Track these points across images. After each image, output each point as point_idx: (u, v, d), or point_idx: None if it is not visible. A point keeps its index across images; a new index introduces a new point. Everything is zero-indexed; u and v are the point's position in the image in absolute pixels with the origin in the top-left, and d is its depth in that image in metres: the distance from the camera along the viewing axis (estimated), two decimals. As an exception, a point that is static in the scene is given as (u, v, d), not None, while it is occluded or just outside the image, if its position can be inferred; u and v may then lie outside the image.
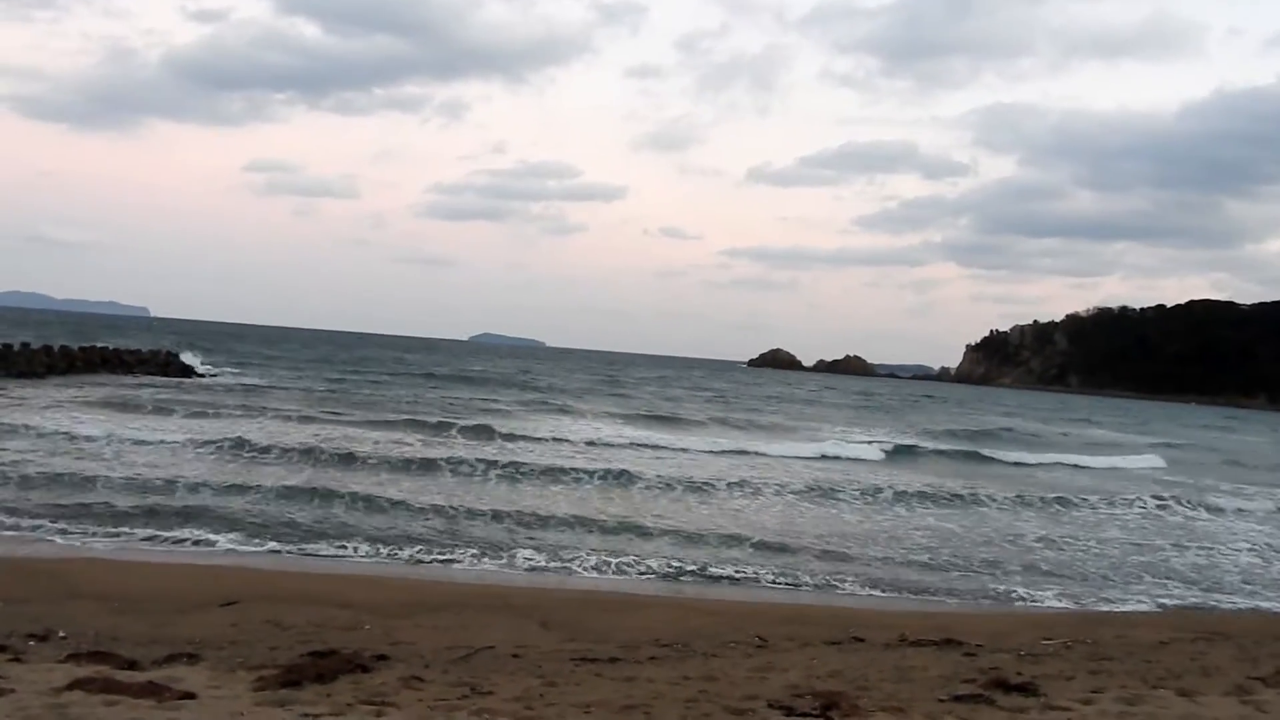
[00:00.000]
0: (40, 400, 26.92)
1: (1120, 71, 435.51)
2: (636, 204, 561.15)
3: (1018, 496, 21.80)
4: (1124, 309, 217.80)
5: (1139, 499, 22.77)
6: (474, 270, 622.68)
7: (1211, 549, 17.41)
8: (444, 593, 10.78)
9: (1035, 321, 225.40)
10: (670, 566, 13.11)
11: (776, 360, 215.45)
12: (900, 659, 8.27)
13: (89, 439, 20.26)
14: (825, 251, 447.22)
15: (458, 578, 11.95)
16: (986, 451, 33.56)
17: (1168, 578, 14.71)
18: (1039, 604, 12.65)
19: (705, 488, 20.16)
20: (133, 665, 6.80)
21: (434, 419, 29.78)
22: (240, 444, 20.82)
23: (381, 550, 12.99)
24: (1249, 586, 14.57)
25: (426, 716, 5.74)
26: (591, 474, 20.54)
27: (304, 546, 12.96)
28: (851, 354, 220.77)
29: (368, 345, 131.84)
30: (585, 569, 12.81)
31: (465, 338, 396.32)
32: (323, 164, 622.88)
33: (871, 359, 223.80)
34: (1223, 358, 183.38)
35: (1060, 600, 12.88)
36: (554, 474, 20.43)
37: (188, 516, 13.99)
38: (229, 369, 50.54)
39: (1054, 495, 22.44)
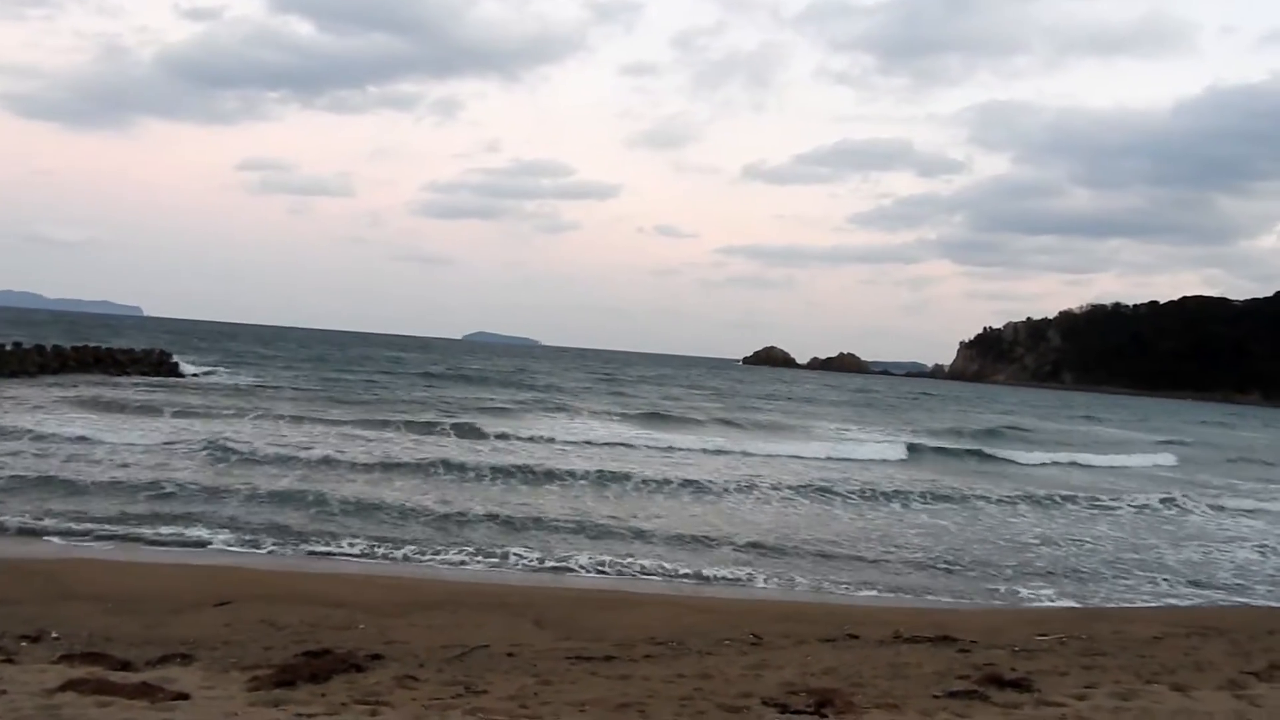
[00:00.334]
0: (33, 399, 26.83)
1: (1115, 69, 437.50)
2: (631, 202, 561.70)
3: (1046, 498, 21.63)
4: (1118, 305, 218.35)
5: (1164, 498, 22.71)
6: (469, 269, 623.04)
7: (1239, 546, 17.41)
8: (438, 592, 10.76)
9: (1029, 318, 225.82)
10: (698, 572, 12.86)
11: (771, 358, 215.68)
12: (895, 656, 8.27)
13: (81, 439, 20.19)
14: (820, 249, 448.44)
15: (452, 576, 11.93)
16: (1002, 453, 33.01)
17: (1197, 582, 14.54)
18: (1035, 600, 12.69)
19: (709, 490, 19.91)
20: (126, 666, 6.78)
21: (429, 418, 29.78)
22: (233, 444, 20.76)
23: (376, 550, 12.96)
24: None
25: (421, 716, 5.73)
26: (591, 474, 20.44)
27: (298, 546, 12.93)
28: (846, 351, 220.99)
29: (363, 344, 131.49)
30: (580, 567, 12.79)
31: (460, 336, 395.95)
32: (317, 162, 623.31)
33: (866, 356, 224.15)
34: (1216, 354, 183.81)
35: (1068, 599, 12.83)
36: (552, 474, 20.32)
37: (180, 517, 13.95)
38: (223, 369, 50.36)
39: (1084, 496, 22.24)
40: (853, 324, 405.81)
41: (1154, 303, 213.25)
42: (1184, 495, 23.45)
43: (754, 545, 14.75)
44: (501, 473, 19.88)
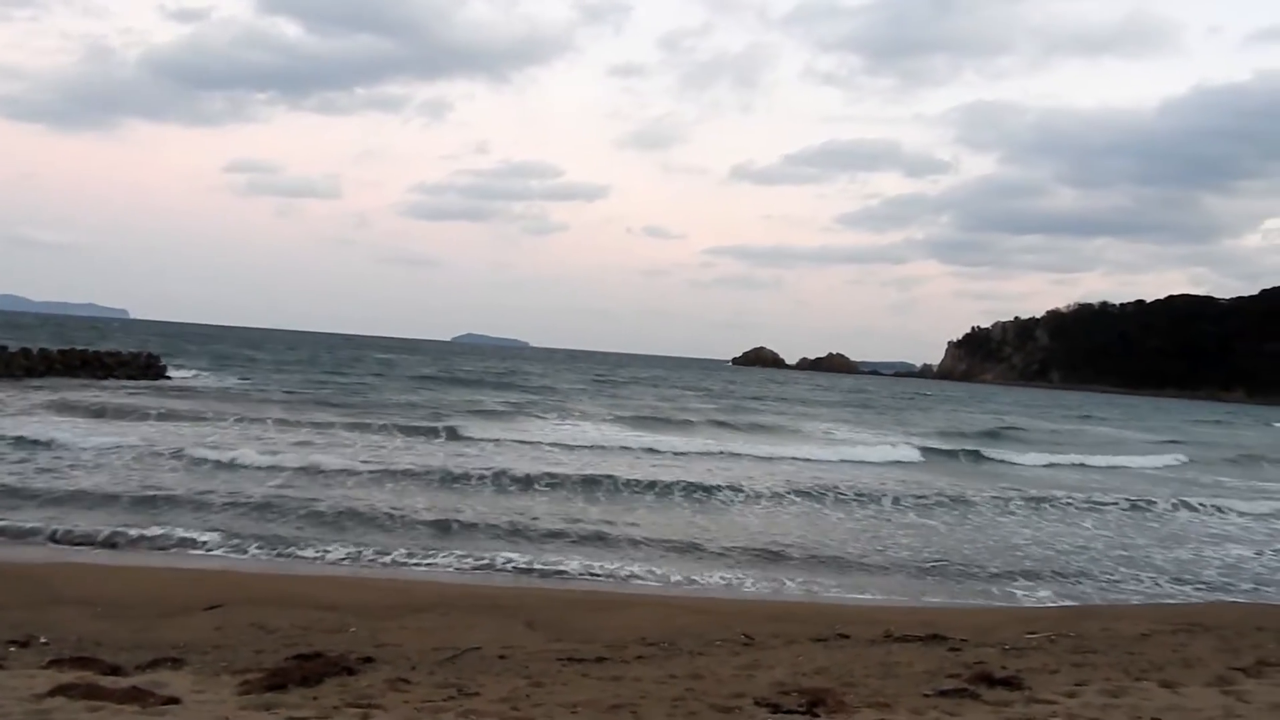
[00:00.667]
0: (19, 403, 26.66)
1: (1101, 69, 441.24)
2: (620, 203, 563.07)
3: (1066, 501, 21.25)
4: (1105, 304, 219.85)
5: (1182, 500, 22.47)
6: (457, 270, 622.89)
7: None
8: (429, 594, 10.73)
9: (1017, 318, 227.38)
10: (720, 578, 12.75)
11: (760, 358, 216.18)
12: (886, 655, 8.30)
13: (66, 443, 20.02)
14: (808, 249, 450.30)
15: (443, 579, 11.90)
16: (1010, 456, 32.41)
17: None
18: (1027, 599, 12.74)
19: (730, 495, 19.39)
20: (116, 670, 6.74)
21: (422, 421, 29.63)
22: (221, 448, 20.67)
23: (366, 552, 12.90)
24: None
25: (413, 718, 5.72)
26: (590, 477, 20.10)
27: (287, 550, 12.86)
28: (834, 352, 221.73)
29: (351, 346, 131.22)
30: (572, 570, 12.74)
31: (449, 338, 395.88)
32: (305, 164, 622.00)
33: (854, 356, 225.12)
34: (1202, 352, 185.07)
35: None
36: (549, 476, 19.99)
37: (168, 521, 13.86)
38: (210, 372, 50.16)
39: (1110, 500, 21.84)
40: (841, 324, 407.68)
41: (1140, 301, 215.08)
42: (1214, 499, 23.02)
43: (781, 554, 14.35)
44: (496, 476, 19.65)
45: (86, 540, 12.64)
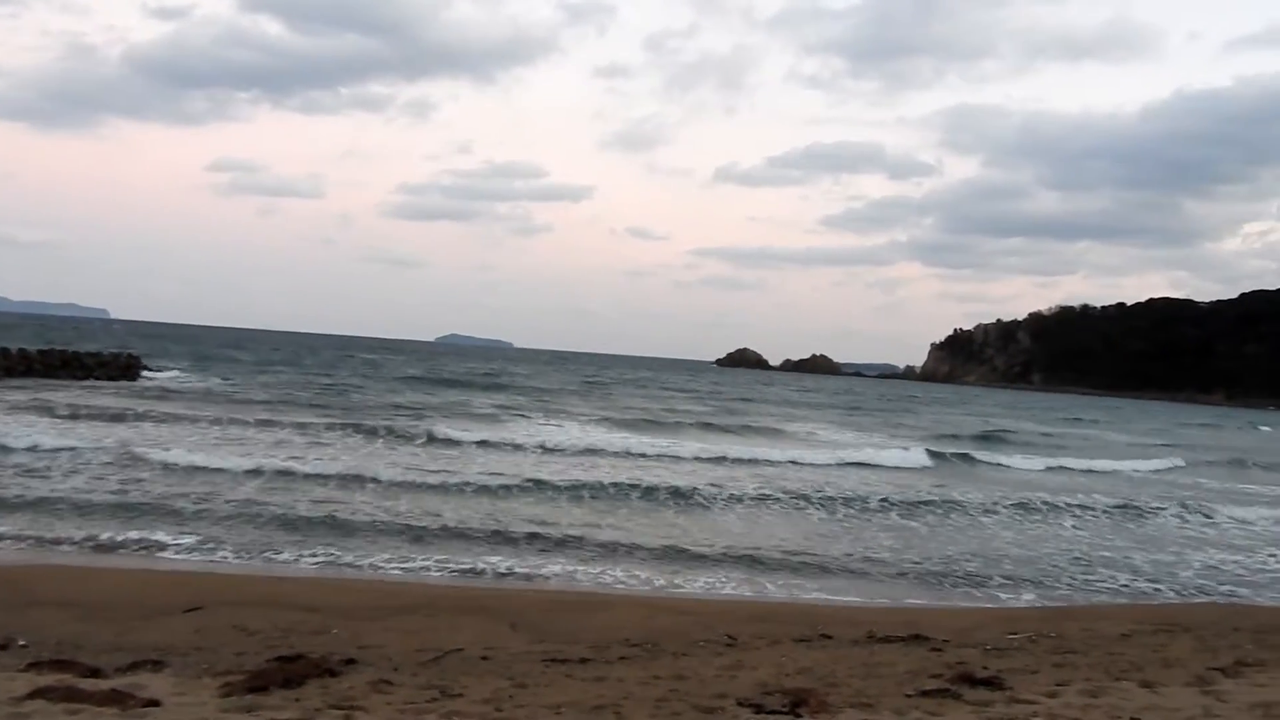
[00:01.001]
0: (-3, 405, 26.38)
1: (1083, 73, 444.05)
2: (604, 204, 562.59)
3: (1076, 505, 21.08)
4: (1086, 307, 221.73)
5: (1194, 502, 22.50)
6: (441, 271, 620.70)
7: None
8: (412, 595, 10.70)
9: (999, 320, 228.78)
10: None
11: (744, 360, 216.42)
12: (868, 655, 8.34)
13: (42, 445, 19.75)
14: (792, 251, 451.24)
15: (426, 580, 11.86)
16: (1009, 460, 31.94)
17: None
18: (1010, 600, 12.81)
19: (735, 501, 19.07)
20: (95, 673, 6.69)
21: (405, 422, 29.49)
22: (201, 449, 20.54)
23: (348, 555, 12.82)
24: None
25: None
26: (577, 480, 19.93)
27: (268, 552, 12.77)
28: (818, 353, 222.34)
29: (334, 347, 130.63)
30: (556, 571, 12.71)
31: (433, 339, 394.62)
32: (288, 163, 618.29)
33: (837, 358, 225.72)
34: (1182, 354, 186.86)
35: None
36: (533, 479, 19.93)
37: (148, 523, 13.75)
38: (192, 372, 49.81)
39: (1113, 503, 21.66)
40: (824, 325, 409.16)
41: (1121, 304, 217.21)
42: (1227, 504, 22.94)
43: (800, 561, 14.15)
44: (481, 478, 19.54)
45: (65, 542, 12.52)
